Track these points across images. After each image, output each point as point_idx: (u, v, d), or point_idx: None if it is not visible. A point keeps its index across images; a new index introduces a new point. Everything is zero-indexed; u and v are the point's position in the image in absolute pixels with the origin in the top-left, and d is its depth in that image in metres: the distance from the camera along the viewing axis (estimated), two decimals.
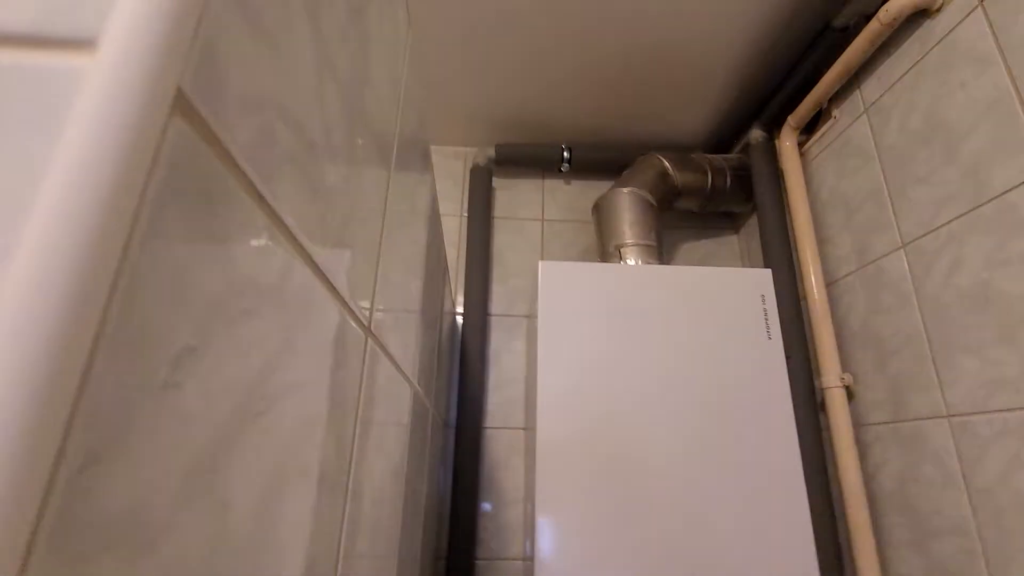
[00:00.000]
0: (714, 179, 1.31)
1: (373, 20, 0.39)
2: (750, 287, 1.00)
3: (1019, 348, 0.69)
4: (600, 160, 1.44)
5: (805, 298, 1.10)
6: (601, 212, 1.22)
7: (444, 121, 1.44)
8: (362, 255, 0.38)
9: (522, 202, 1.50)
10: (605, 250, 1.18)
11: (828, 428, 1.02)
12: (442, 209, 1.47)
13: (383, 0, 0.42)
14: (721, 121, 1.41)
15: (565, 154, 1.43)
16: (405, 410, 0.62)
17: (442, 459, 1.21)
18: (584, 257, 1.43)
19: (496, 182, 1.52)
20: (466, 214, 1.43)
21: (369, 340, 0.42)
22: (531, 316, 1.23)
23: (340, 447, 0.35)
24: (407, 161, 0.54)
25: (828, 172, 1.12)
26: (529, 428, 1.13)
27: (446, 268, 1.04)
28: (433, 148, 1.54)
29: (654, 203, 1.20)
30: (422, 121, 0.64)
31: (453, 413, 1.27)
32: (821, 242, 1.13)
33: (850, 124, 1.05)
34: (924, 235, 0.86)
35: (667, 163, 1.27)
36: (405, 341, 0.59)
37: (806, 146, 1.20)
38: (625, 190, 1.20)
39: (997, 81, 0.74)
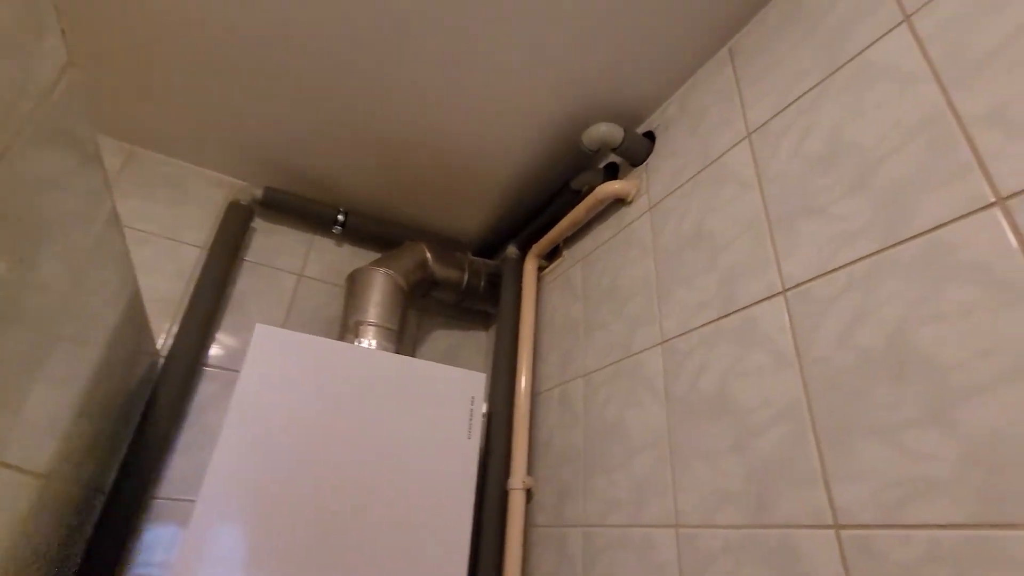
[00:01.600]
0: (470, 279, 1.43)
1: None
2: (463, 387, 1.09)
3: (631, 474, 0.88)
4: (374, 232, 1.47)
5: (513, 404, 1.24)
6: (353, 284, 1.22)
7: (210, 141, 1.30)
8: None
9: (283, 251, 1.42)
10: (346, 323, 1.17)
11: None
12: (182, 236, 1.29)
13: None
14: (491, 230, 1.58)
15: (340, 216, 1.42)
16: None
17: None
18: (333, 323, 1.39)
19: (258, 224, 1.41)
20: (208, 248, 1.28)
21: None
22: None
23: None
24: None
25: (554, 299, 1.33)
26: None
27: (139, 299, 0.89)
28: (189, 168, 1.37)
29: (406, 288, 1.25)
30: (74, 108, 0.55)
31: (112, 477, 1.04)
32: (538, 357, 1.31)
33: (572, 266, 1.28)
34: (598, 370, 1.07)
35: (429, 254, 1.36)
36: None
37: (543, 272, 1.41)
38: (381, 270, 1.23)
39: (648, 266, 0.99)
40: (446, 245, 1.61)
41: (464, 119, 1.18)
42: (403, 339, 1.25)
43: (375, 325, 1.16)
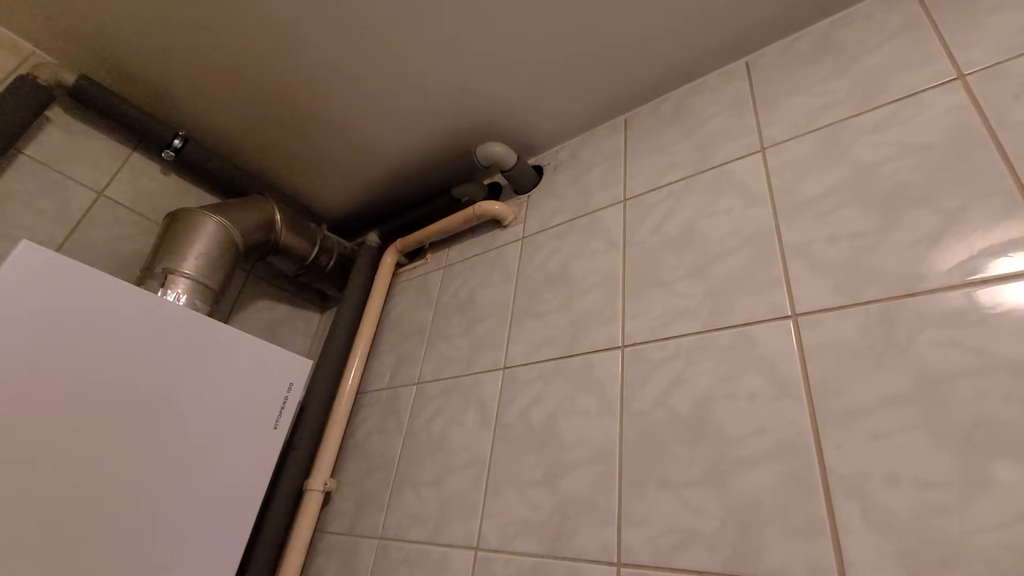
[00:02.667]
0: (319, 254, 1.31)
1: None
2: (283, 371, 0.97)
3: (442, 492, 0.87)
4: (218, 173, 1.26)
5: (334, 399, 1.15)
6: (174, 225, 1.02)
7: None
8: None
9: (84, 159, 1.12)
10: (151, 268, 0.96)
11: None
12: None
13: None
14: (356, 210, 1.47)
15: (177, 142, 1.18)
16: None
17: None
18: (132, 264, 1.14)
19: (58, 116, 1.10)
20: None
21: None
22: None
23: None
24: None
25: (406, 298, 1.28)
26: None
27: None
28: None
29: (242, 247, 1.09)
30: None
31: None
32: (373, 354, 1.24)
33: (433, 271, 1.26)
34: (433, 380, 1.05)
35: (279, 215, 1.21)
36: None
37: (401, 268, 1.36)
38: (216, 217, 1.05)
39: (508, 292, 1.02)
40: (301, 211, 1.45)
41: (360, 92, 1.09)
42: (221, 303, 1.07)
43: (190, 279, 0.97)
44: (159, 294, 0.93)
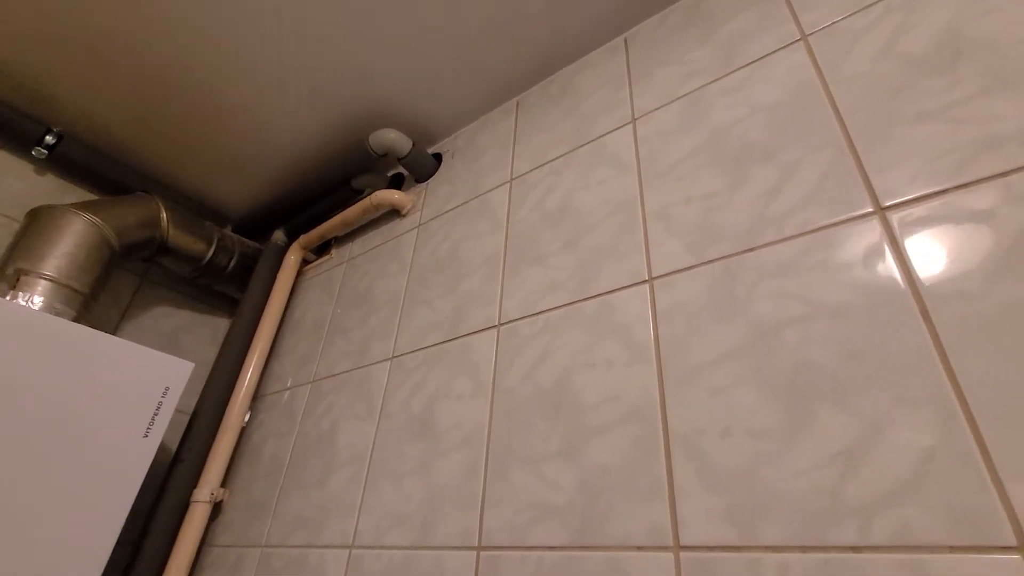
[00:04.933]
0: (217, 254, 1.24)
1: None
2: (156, 375, 0.90)
3: (324, 491, 0.82)
4: (99, 171, 1.18)
5: (228, 404, 1.08)
6: (34, 224, 0.94)
7: None
8: None
9: None
10: (3, 269, 0.88)
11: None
12: None
13: None
14: (259, 209, 1.41)
15: (49, 138, 1.11)
16: None
17: None
18: None
19: None
20: None
21: None
22: None
23: None
24: None
25: (311, 296, 1.22)
26: None
27: None
28: None
29: (117, 247, 1.02)
30: None
31: None
32: (273, 357, 1.18)
33: (337, 266, 1.21)
34: (328, 377, 1.00)
35: (165, 213, 1.14)
36: None
37: (307, 266, 1.30)
38: (85, 215, 0.98)
39: (401, 282, 0.98)
40: (197, 210, 1.38)
41: (247, 79, 1.04)
42: (95, 306, 1.00)
43: (51, 280, 0.90)
44: (7, 297, 0.86)
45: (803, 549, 0.41)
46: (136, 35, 0.97)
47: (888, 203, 0.50)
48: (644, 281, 0.63)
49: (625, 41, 0.91)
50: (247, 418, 1.09)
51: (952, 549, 0.36)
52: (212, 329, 1.39)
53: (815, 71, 0.62)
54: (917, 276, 0.45)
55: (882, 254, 0.48)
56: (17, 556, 0.72)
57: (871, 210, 0.51)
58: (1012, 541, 0.35)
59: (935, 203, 0.47)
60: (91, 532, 0.79)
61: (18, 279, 0.87)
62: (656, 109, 0.77)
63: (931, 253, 0.45)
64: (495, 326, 0.76)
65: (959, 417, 0.39)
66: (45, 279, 0.90)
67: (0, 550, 0.71)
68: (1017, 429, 0.37)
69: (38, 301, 0.88)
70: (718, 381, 0.52)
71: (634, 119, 0.79)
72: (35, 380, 0.78)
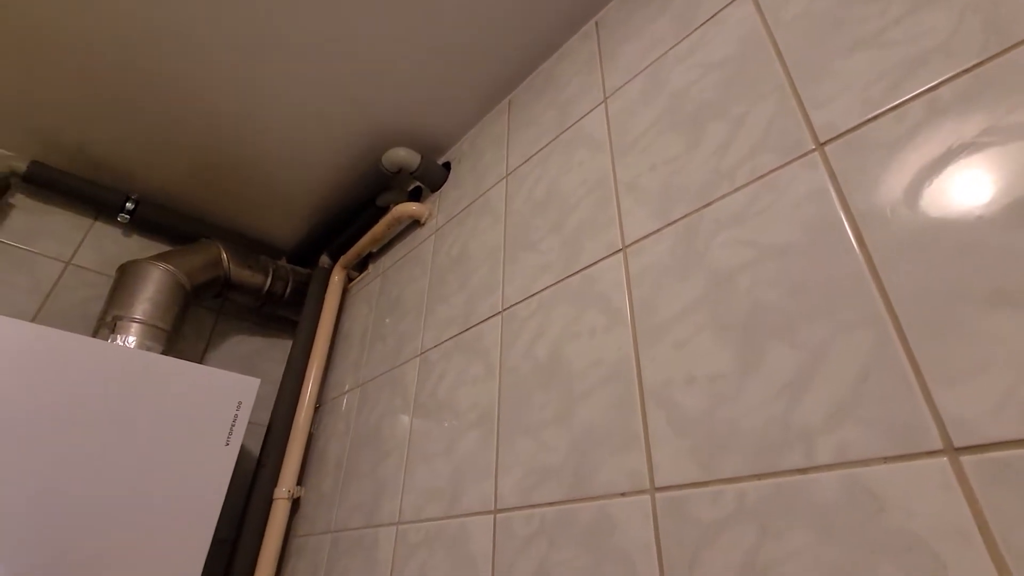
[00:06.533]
0: (273, 283, 1.40)
1: None
2: (230, 392, 1.05)
3: (374, 479, 0.92)
4: (170, 226, 1.38)
5: (295, 413, 1.23)
6: (123, 277, 1.13)
7: None
8: None
9: (49, 235, 1.26)
10: (104, 318, 1.07)
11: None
12: None
13: None
14: (306, 238, 1.57)
15: (129, 204, 1.31)
16: None
17: None
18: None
19: (20, 200, 1.25)
20: None
21: None
22: None
23: None
24: None
25: (356, 311, 1.35)
26: None
27: None
28: None
29: (189, 288, 1.19)
30: None
31: None
32: (331, 368, 1.31)
33: (374, 279, 1.32)
34: (371, 380, 1.10)
35: (225, 253, 1.31)
36: None
37: (351, 284, 1.43)
38: (160, 265, 1.16)
39: (424, 285, 1.07)
40: (253, 247, 1.56)
41: (276, 128, 1.18)
42: (181, 339, 1.18)
43: (140, 322, 1.08)
44: (109, 340, 1.04)
45: (758, 477, 0.44)
46: (182, 116, 1.14)
47: (826, 138, 0.50)
48: (619, 251, 0.67)
49: (596, 25, 0.94)
50: (312, 424, 1.23)
51: (886, 460, 0.38)
52: (279, 350, 1.56)
53: (760, 20, 0.63)
54: (852, 204, 0.46)
55: (823, 189, 0.49)
56: (130, 553, 0.88)
57: (812, 147, 0.51)
58: (939, 445, 0.36)
59: (867, 130, 0.47)
60: (191, 528, 0.94)
61: (115, 324, 1.05)
62: (623, 85, 0.80)
63: (864, 180, 0.46)
64: (499, 312, 0.82)
65: (891, 335, 0.40)
66: (136, 321, 1.08)
67: (114, 549, 0.87)
68: (943, 338, 0.38)
69: (131, 340, 1.05)
70: (682, 334, 0.55)
71: (605, 99, 0.82)
72: (135, 404, 0.94)
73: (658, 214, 0.64)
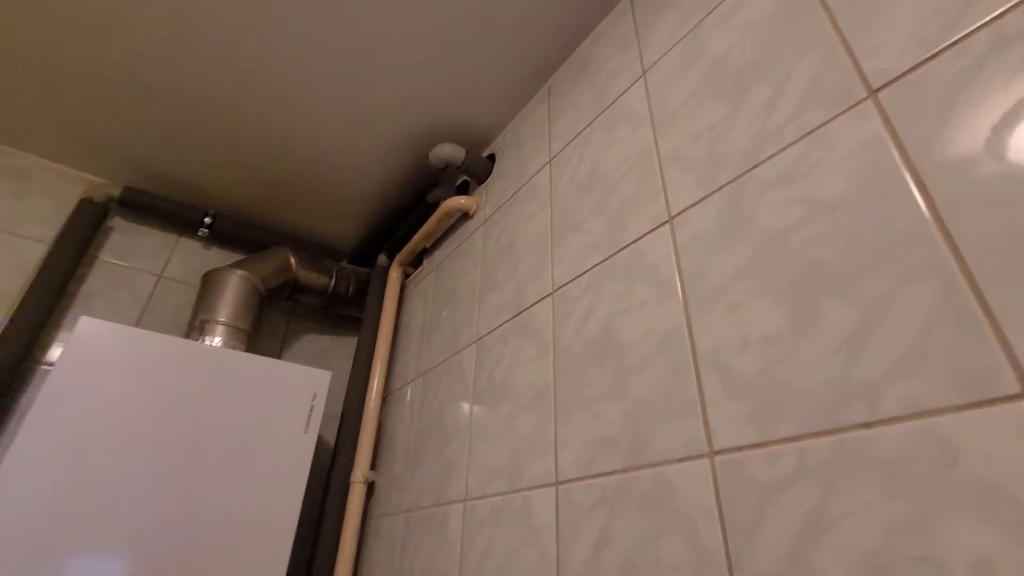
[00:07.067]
0: (337, 284, 1.49)
1: None
2: (305, 384, 1.13)
3: (440, 461, 0.97)
4: (243, 236, 1.49)
5: (364, 403, 1.30)
6: (207, 284, 1.24)
7: (64, 137, 1.29)
8: None
9: (143, 252, 1.41)
10: (193, 322, 1.18)
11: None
12: (26, 231, 1.26)
13: None
14: (364, 239, 1.65)
15: (207, 219, 1.44)
16: None
17: None
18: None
19: (118, 223, 1.40)
20: (51, 244, 1.26)
21: None
22: None
23: None
24: None
25: (414, 305, 1.41)
26: None
27: None
28: (36, 161, 1.35)
29: (263, 291, 1.29)
30: None
31: None
32: (394, 359, 1.38)
33: (429, 274, 1.38)
34: (431, 369, 1.15)
35: (293, 259, 1.40)
36: None
37: (409, 279, 1.49)
38: (237, 271, 1.26)
39: (475, 276, 1.10)
40: (317, 251, 1.66)
41: (329, 139, 1.26)
42: (259, 339, 1.28)
43: (224, 324, 1.18)
44: (199, 341, 1.15)
45: (817, 435, 0.43)
46: (255, 132, 1.23)
47: (878, 84, 0.48)
48: (665, 223, 0.67)
49: (631, 1, 0.93)
50: (380, 413, 1.30)
51: (960, 408, 0.36)
52: (346, 346, 1.66)
53: None
54: (910, 151, 0.44)
55: (878, 137, 0.47)
56: (226, 536, 0.97)
57: (864, 96, 0.49)
58: (1016, 389, 0.34)
59: (924, 71, 0.45)
60: (279, 510, 1.02)
61: (203, 327, 1.16)
62: (661, 57, 0.79)
63: (924, 125, 0.44)
64: (550, 294, 0.84)
65: (960, 283, 0.38)
66: (220, 324, 1.18)
67: (211, 531, 0.96)
68: (1018, 285, 0.36)
69: (217, 341, 1.16)
70: (733, 298, 0.54)
71: (644, 72, 0.82)
72: (223, 397, 1.04)
73: (703, 181, 0.63)
